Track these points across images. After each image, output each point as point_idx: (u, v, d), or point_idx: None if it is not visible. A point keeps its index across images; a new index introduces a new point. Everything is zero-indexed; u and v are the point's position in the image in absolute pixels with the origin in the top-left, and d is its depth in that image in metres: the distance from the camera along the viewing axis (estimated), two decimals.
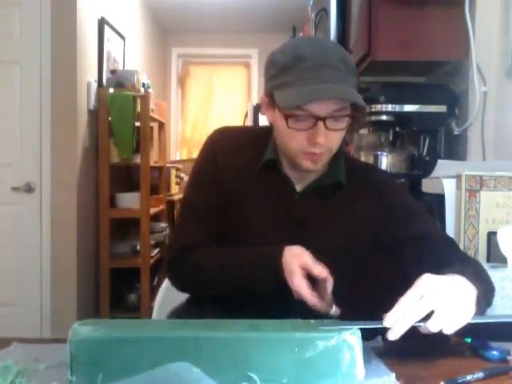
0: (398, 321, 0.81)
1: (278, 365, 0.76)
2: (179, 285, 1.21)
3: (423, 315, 0.82)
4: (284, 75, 1.04)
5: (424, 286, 0.84)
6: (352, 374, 0.77)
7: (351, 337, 0.78)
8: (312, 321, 0.84)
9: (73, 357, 0.76)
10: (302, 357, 0.76)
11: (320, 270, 0.99)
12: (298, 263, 1.01)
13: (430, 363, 0.90)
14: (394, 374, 0.81)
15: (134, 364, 0.75)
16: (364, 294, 1.23)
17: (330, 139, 1.06)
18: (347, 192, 1.16)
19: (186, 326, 0.84)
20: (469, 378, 0.81)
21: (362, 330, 0.80)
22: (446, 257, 1.05)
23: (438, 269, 0.92)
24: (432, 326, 0.82)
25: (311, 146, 1.06)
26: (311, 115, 1.03)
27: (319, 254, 1.05)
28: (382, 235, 1.15)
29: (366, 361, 0.80)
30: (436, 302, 0.82)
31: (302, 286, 0.99)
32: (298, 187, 1.17)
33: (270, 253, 1.06)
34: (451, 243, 1.15)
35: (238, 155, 1.18)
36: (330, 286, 1.00)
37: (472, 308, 0.85)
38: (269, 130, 1.18)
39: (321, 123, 1.03)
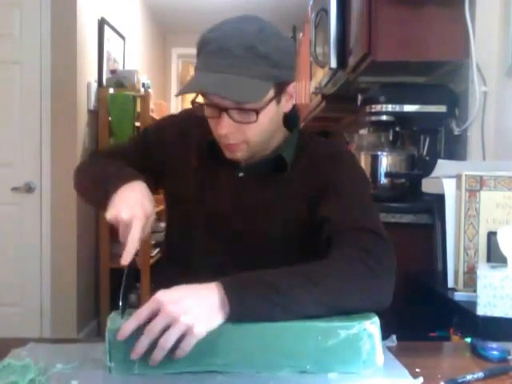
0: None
1: (302, 352, 0.81)
2: (74, 182, 1.35)
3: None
4: (197, 59, 1.02)
5: (151, 305, 0.81)
6: (372, 361, 0.83)
7: (371, 326, 0.83)
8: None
9: (111, 344, 0.81)
10: (325, 345, 0.81)
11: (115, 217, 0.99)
12: (114, 213, 1.00)
13: (429, 363, 0.90)
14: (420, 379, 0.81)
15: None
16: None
17: (240, 131, 1.01)
18: (294, 172, 1.11)
19: None
20: (469, 377, 0.81)
21: None
22: (328, 249, 0.98)
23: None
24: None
25: (221, 136, 1.03)
26: (214, 104, 1.00)
27: (255, 232, 1.07)
28: (313, 213, 1.07)
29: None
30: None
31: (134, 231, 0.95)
32: (246, 162, 1.12)
33: (114, 179, 1.06)
34: (355, 233, 1.00)
35: (190, 141, 1.18)
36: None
37: (201, 319, 0.80)
38: None
39: (223, 114, 0.99)
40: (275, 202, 1.11)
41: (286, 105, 1.08)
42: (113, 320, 0.84)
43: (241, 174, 1.13)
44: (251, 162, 1.12)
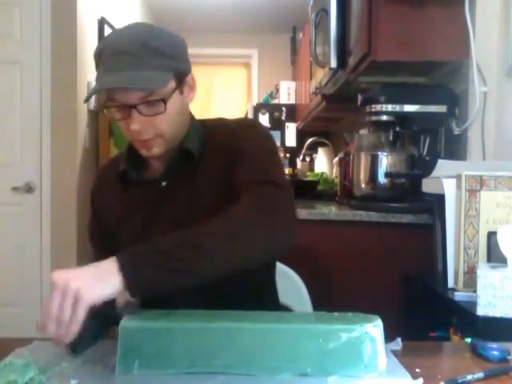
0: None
1: (303, 355, 0.81)
2: None
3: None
4: (96, 69, 1.07)
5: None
6: (374, 364, 0.82)
7: (373, 329, 0.82)
8: (335, 313, 0.88)
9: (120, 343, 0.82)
10: (326, 347, 0.81)
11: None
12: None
13: (430, 363, 0.90)
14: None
15: (167, 353, 0.81)
16: None
17: (151, 125, 1.05)
18: (206, 155, 1.14)
19: (217, 317, 0.87)
20: (469, 377, 0.81)
21: None
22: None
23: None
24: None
25: (135, 134, 1.07)
26: (122, 104, 1.04)
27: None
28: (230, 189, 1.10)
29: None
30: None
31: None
32: (162, 170, 1.17)
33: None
34: (254, 186, 1.04)
35: (107, 187, 1.24)
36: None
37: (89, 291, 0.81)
38: None
39: (133, 111, 1.03)
40: (197, 192, 1.13)
41: (189, 96, 1.14)
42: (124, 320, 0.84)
43: (164, 183, 1.16)
44: (163, 169, 1.16)
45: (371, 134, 2.35)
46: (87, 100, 1.15)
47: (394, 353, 0.91)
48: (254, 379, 0.80)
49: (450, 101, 2.03)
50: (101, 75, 1.04)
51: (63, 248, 3.31)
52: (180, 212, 1.13)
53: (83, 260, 3.43)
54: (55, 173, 3.27)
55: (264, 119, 5.27)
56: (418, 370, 0.84)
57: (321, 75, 3.02)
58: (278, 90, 5.52)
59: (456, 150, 2.04)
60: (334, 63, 2.43)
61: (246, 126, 1.20)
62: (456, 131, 2.02)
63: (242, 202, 1.00)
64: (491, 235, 1.34)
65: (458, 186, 1.39)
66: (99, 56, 1.05)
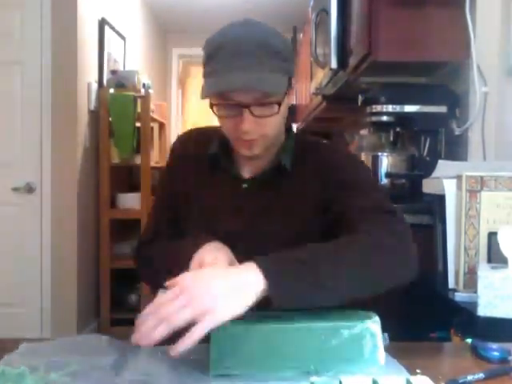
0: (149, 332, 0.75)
1: (306, 352, 0.82)
2: (141, 274, 1.30)
3: (181, 316, 0.75)
4: (208, 65, 1.05)
5: (177, 284, 0.79)
6: (374, 359, 0.84)
7: (373, 325, 0.84)
8: (333, 310, 0.89)
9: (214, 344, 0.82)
10: (328, 344, 0.82)
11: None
12: (198, 262, 0.99)
13: (430, 363, 0.89)
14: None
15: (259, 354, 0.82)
16: None
17: (260, 126, 1.06)
18: (295, 173, 1.15)
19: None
20: (469, 378, 0.81)
21: None
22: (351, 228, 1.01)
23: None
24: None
25: (240, 133, 1.06)
26: (235, 103, 1.03)
27: (267, 241, 1.08)
28: (325, 214, 1.11)
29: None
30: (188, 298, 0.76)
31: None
32: (248, 175, 1.18)
33: (189, 247, 1.06)
34: (375, 213, 1.04)
35: (190, 156, 1.24)
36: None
37: (232, 301, 0.77)
38: None
39: (246, 111, 1.03)
40: (281, 204, 1.14)
41: (290, 98, 1.13)
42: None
43: (245, 186, 1.17)
44: (253, 174, 1.17)
45: (372, 135, 2.35)
46: (204, 97, 1.08)
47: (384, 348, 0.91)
48: (257, 378, 0.81)
49: (450, 101, 2.03)
50: (218, 73, 1.02)
51: (63, 248, 3.30)
52: (254, 214, 1.14)
53: (83, 260, 3.44)
54: (55, 173, 3.27)
55: None
56: (418, 371, 0.84)
57: (321, 76, 3.02)
58: None
59: (456, 150, 2.04)
60: (334, 63, 2.43)
61: (343, 151, 1.23)
62: (456, 131, 2.01)
63: (369, 229, 0.98)
64: (492, 235, 1.34)
65: (459, 187, 1.39)
66: (215, 52, 1.03)
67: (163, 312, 0.76)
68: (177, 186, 1.23)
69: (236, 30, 1.04)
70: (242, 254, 1.10)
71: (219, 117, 1.09)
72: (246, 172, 1.18)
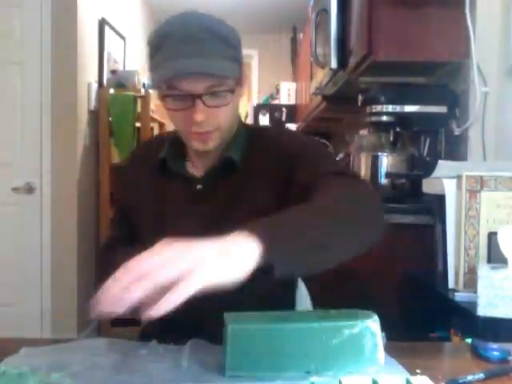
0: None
1: (307, 352, 0.82)
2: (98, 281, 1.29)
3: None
4: (155, 56, 1.03)
5: (158, 245, 0.67)
6: (374, 358, 0.84)
7: (373, 324, 0.84)
8: (332, 310, 0.89)
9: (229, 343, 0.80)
10: (329, 344, 0.82)
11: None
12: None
13: (430, 363, 0.89)
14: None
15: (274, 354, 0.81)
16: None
17: (213, 117, 1.03)
18: (248, 166, 1.12)
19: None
20: (469, 378, 0.81)
21: None
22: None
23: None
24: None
25: (194, 126, 1.03)
26: (186, 93, 1.00)
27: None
28: (284, 198, 1.06)
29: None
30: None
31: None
32: (199, 174, 1.15)
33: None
34: (333, 176, 1.01)
35: (139, 166, 1.21)
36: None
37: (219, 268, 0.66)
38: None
39: (198, 101, 1.00)
40: (239, 201, 1.11)
41: (243, 88, 1.12)
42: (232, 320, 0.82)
43: (199, 186, 1.14)
44: (203, 173, 1.14)
45: (371, 135, 2.35)
46: (154, 88, 1.06)
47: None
48: (258, 379, 0.80)
49: (450, 101, 2.03)
50: (166, 61, 0.99)
51: (63, 248, 3.31)
52: (213, 214, 1.11)
53: (83, 260, 3.43)
54: (55, 173, 3.27)
55: (264, 120, 5.27)
56: (418, 371, 0.84)
57: (321, 75, 3.02)
58: (278, 91, 5.52)
59: (456, 150, 2.04)
60: (334, 63, 2.44)
61: (280, 133, 1.19)
62: (456, 131, 2.02)
63: (332, 189, 0.93)
64: (492, 235, 1.34)
65: (459, 187, 1.39)
66: (162, 41, 1.00)
67: (142, 268, 0.63)
68: (127, 201, 1.22)
69: (180, 19, 1.02)
70: None
71: (171, 110, 1.04)
72: (197, 171, 1.15)
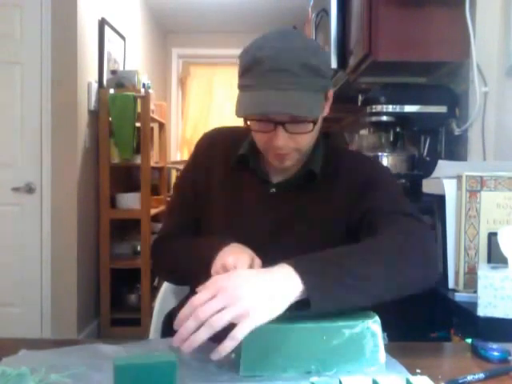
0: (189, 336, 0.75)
1: (308, 353, 0.82)
2: (155, 270, 1.34)
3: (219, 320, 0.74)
4: (243, 77, 1.03)
5: (212, 285, 0.78)
6: (375, 358, 0.84)
7: (374, 324, 0.85)
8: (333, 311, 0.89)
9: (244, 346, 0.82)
10: (330, 344, 0.83)
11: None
12: (220, 263, 0.97)
13: (430, 363, 0.89)
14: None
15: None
16: None
17: (293, 141, 1.05)
18: (324, 181, 1.14)
19: None
20: (469, 378, 0.81)
21: None
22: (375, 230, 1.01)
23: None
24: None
25: (273, 148, 1.05)
26: (269, 119, 1.02)
27: (293, 246, 1.07)
28: (350, 216, 1.12)
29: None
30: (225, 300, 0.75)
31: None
32: (276, 180, 1.16)
33: (212, 246, 1.04)
34: (397, 216, 1.05)
35: (217, 154, 1.21)
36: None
37: (268, 304, 0.76)
38: None
39: (279, 127, 1.01)
40: (307, 210, 1.13)
41: (326, 110, 1.12)
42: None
43: (273, 190, 1.15)
44: (282, 179, 1.16)
45: (371, 135, 2.35)
46: (240, 116, 1.03)
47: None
48: (259, 378, 0.81)
49: (450, 101, 2.03)
50: (255, 89, 1.00)
51: (63, 248, 3.30)
52: (279, 220, 1.13)
53: (83, 260, 3.44)
54: (55, 173, 3.26)
55: None
56: (418, 371, 0.84)
57: None
58: None
59: (456, 150, 2.04)
60: (334, 64, 2.44)
61: (374, 161, 1.23)
62: (456, 131, 2.02)
63: (393, 231, 0.99)
64: (492, 236, 1.34)
65: (459, 187, 1.39)
66: (252, 66, 1.00)
67: (202, 315, 0.74)
68: (199, 186, 1.21)
69: (274, 44, 1.01)
70: (265, 258, 1.09)
71: (252, 130, 1.07)
72: (274, 177, 1.17)
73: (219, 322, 0.73)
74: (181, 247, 1.17)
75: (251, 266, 0.98)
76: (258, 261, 1.00)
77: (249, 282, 0.78)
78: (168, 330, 1.15)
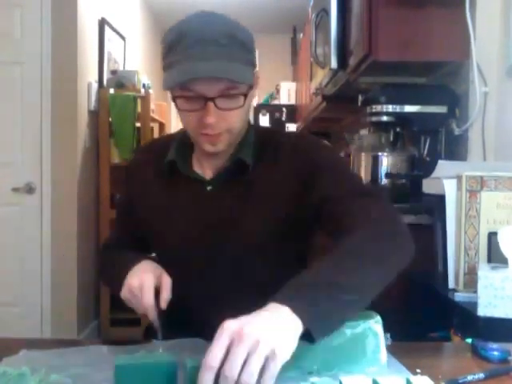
0: None
1: (310, 353, 0.81)
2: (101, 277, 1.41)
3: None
4: (169, 55, 1.01)
5: (225, 336, 0.69)
6: (376, 358, 0.84)
7: (375, 324, 0.85)
8: None
9: None
10: (331, 344, 0.82)
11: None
12: (127, 287, 1.01)
13: (430, 363, 0.89)
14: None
15: None
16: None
17: (224, 119, 1.02)
18: (259, 167, 1.11)
19: None
20: (469, 378, 0.81)
21: None
22: (345, 220, 0.98)
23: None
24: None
25: (204, 127, 1.02)
26: (199, 95, 0.99)
27: (242, 242, 1.07)
28: (302, 205, 1.08)
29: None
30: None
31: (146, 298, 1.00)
32: (209, 176, 1.14)
33: (125, 265, 1.07)
34: (356, 199, 1.02)
35: (151, 166, 1.20)
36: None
37: (282, 347, 0.70)
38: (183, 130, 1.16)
39: (210, 103, 0.99)
40: (250, 202, 1.10)
41: (254, 91, 1.11)
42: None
43: (209, 188, 1.13)
44: (214, 174, 1.13)
45: (372, 135, 2.35)
46: (166, 88, 1.02)
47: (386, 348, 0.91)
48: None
49: (450, 101, 2.03)
50: (182, 62, 0.98)
51: (63, 248, 3.30)
52: (224, 219, 1.10)
53: (83, 260, 3.44)
54: (55, 173, 3.26)
55: (264, 120, 5.27)
56: (418, 370, 0.84)
57: (321, 76, 3.02)
58: (278, 91, 5.52)
59: (456, 150, 2.04)
60: (334, 64, 2.44)
61: (314, 141, 1.16)
62: (456, 132, 2.02)
63: (362, 224, 0.95)
64: (492, 236, 1.34)
65: (459, 187, 1.39)
66: (178, 41, 0.99)
67: (230, 373, 0.66)
68: (135, 200, 1.21)
69: (199, 19, 1.01)
70: (212, 258, 1.10)
71: (182, 111, 1.03)
72: (207, 173, 1.14)
73: (252, 378, 0.66)
74: (109, 261, 1.22)
75: (158, 285, 1.00)
76: (166, 279, 1.01)
77: (257, 321, 0.71)
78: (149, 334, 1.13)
